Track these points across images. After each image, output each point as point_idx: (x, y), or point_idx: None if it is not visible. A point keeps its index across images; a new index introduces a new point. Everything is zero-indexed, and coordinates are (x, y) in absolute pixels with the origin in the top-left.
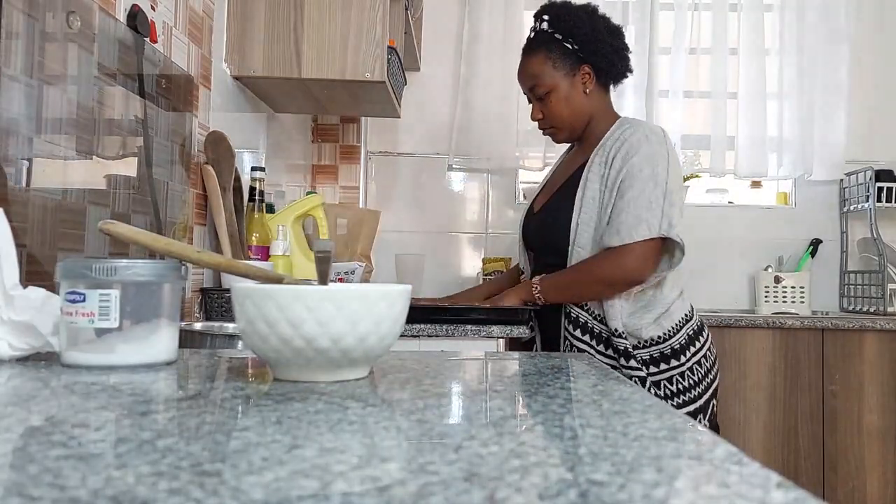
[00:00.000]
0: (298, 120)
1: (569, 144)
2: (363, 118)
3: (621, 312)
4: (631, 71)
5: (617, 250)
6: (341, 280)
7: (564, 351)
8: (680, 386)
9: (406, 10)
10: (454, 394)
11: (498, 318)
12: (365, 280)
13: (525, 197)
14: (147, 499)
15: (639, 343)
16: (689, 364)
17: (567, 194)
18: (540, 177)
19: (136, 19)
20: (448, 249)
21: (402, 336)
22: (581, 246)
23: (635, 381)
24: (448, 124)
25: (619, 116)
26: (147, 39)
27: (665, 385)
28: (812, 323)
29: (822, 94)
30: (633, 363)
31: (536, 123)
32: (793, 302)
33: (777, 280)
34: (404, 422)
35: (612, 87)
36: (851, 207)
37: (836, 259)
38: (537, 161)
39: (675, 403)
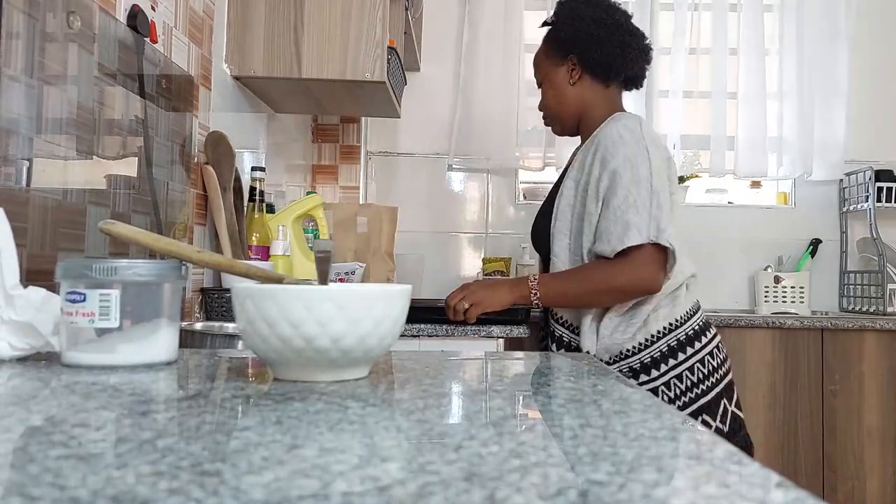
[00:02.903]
0: (298, 120)
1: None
2: (363, 118)
3: (599, 333)
4: (634, 68)
5: (619, 261)
6: (341, 280)
7: None
8: (665, 397)
9: (406, 10)
10: (454, 394)
11: (498, 318)
12: (389, 281)
13: (525, 197)
14: (147, 499)
15: (610, 360)
16: (667, 377)
17: (549, 202)
18: (540, 177)
19: (136, 19)
20: (448, 249)
21: (402, 336)
22: (556, 255)
23: None
24: (448, 124)
25: (615, 112)
26: (147, 39)
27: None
28: (812, 323)
29: (822, 94)
30: None
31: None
32: (792, 302)
33: (777, 280)
34: (404, 422)
35: (616, 83)
36: (851, 207)
37: (835, 259)
38: (537, 161)
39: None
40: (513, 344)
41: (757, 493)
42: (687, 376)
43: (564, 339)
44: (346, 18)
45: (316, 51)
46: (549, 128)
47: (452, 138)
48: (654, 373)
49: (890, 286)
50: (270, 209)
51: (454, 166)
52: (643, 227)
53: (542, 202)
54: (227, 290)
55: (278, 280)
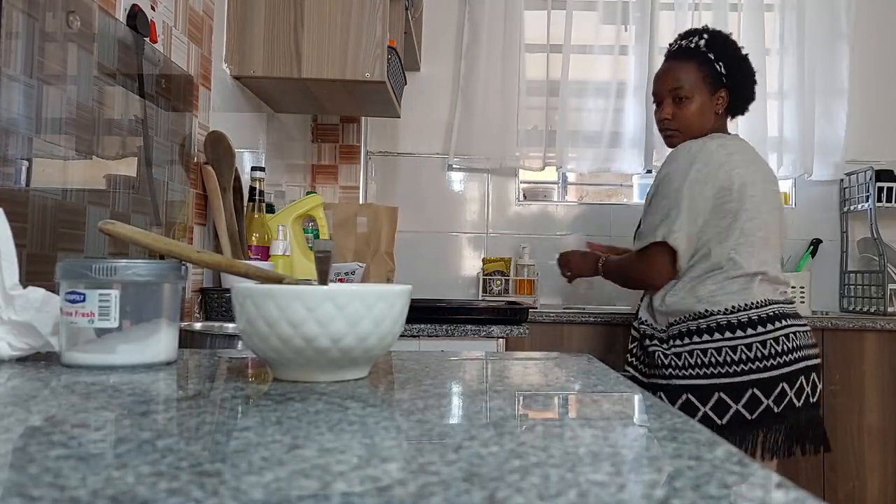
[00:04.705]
0: (298, 120)
1: None
2: (363, 118)
3: (654, 304)
4: (744, 112)
5: (638, 255)
6: (341, 280)
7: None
8: (700, 360)
9: (406, 10)
10: (454, 394)
11: (498, 318)
12: (389, 281)
13: (525, 197)
14: (147, 499)
15: (673, 321)
16: (719, 344)
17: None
18: (540, 177)
19: (136, 19)
20: (448, 249)
21: (402, 336)
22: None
23: (653, 354)
24: (448, 124)
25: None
26: (147, 39)
27: (685, 356)
28: (812, 323)
29: (822, 94)
30: (654, 342)
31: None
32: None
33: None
34: (404, 422)
35: (728, 118)
36: (851, 207)
37: (836, 259)
38: (537, 161)
39: (689, 373)
40: (513, 344)
41: (757, 493)
42: (713, 353)
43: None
44: (346, 18)
45: (316, 51)
46: (668, 138)
47: (452, 138)
48: (707, 336)
49: (890, 286)
50: (270, 209)
51: (454, 166)
52: (659, 234)
53: (543, 202)
54: (227, 290)
55: (278, 280)
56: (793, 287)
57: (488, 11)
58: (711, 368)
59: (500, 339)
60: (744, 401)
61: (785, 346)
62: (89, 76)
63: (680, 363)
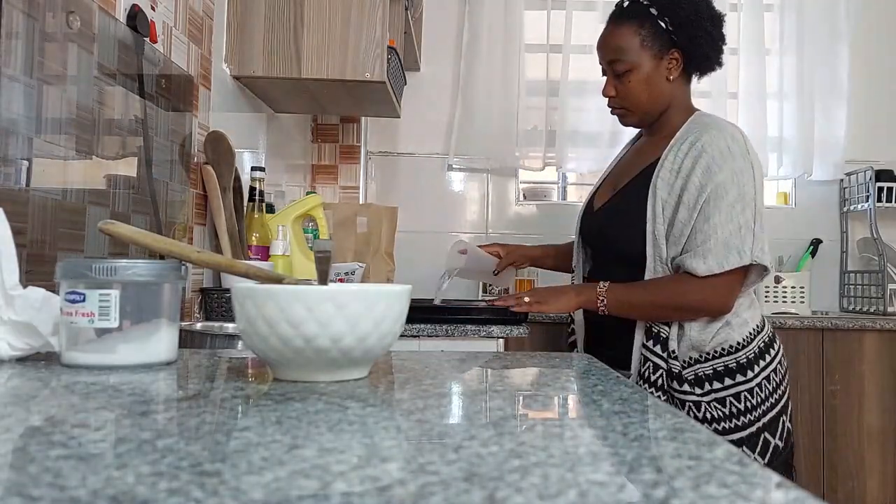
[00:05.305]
0: (298, 120)
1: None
2: (363, 118)
3: (688, 332)
4: (721, 64)
5: (702, 280)
6: (341, 280)
7: (640, 363)
8: (748, 403)
9: (406, 10)
10: (454, 394)
11: (498, 319)
12: (389, 281)
13: (525, 197)
14: (147, 499)
15: (701, 357)
16: (758, 379)
17: (634, 198)
18: (540, 177)
19: (136, 19)
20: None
21: (402, 336)
22: (661, 257)
23: (689, 407)
24: (448, 124)
25: (695, 110)
26: (147, 39)
27: (732, 402)
28: (812, 323)
29: (822, 94)
30: (686, 387)
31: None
32: (793, 302)
33: (777, 280)
34: (404, 422)
35: (696, 78)
36: (851, 207)
37: (836, 259)
38: (537, 161)
39: (741, 422)
40: (513, 344)
41: (757, 493)
42: (757, 392)
43: (662, 334)
44: (346, 18)
45: (316, 51)
46: (619, 117)
47: (452, 138)
48: (740, 377)
49: (890, 286)
50: (270, 209)
51: (454, 166)
52: (746, 250)
53: (543, 202)
54: (227, 290)
55: (278, 280)
56: (793, 287)
57: (488, 11)
58: (759, 409)
59: (500, 340)
60: (779, 432)
61: (781, 374)
62: (89, 76)
63: (727, 412)
